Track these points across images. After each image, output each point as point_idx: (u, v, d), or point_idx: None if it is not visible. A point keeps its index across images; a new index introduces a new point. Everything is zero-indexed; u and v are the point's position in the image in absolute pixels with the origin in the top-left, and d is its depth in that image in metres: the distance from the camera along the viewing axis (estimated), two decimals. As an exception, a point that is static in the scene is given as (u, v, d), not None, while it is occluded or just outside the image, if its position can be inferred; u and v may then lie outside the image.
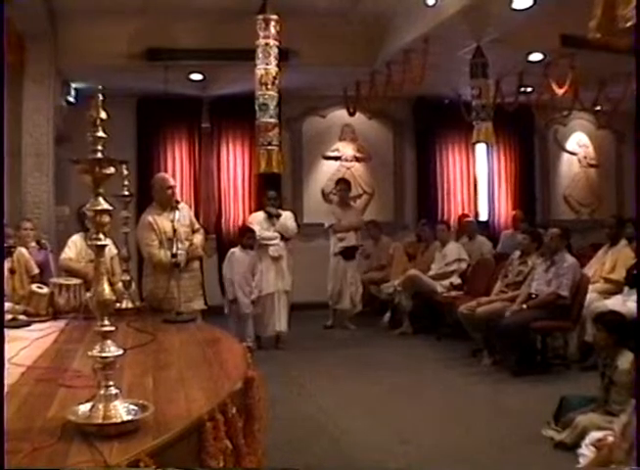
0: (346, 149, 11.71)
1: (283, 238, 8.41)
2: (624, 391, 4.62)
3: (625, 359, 4.78)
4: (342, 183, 9.95)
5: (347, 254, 9.37)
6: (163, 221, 5.70)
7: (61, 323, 4.70)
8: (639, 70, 3.98)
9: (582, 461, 4.27)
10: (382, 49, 8.95)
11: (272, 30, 6.99)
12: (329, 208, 10.12)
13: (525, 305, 6.88)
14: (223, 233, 10.92)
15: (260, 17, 6.98)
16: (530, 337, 6.91)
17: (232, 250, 8.29)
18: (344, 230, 9.39)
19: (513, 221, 11.29)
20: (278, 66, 7.10)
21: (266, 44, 7.00)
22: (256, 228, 8.27)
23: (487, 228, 11.75)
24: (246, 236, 8.18)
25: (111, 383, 2.36)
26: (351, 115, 10.97)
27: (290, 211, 8.92)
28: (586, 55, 7.82)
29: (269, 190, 8.87)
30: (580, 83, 8.77)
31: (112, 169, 2.40)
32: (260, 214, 8.55)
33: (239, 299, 8.03)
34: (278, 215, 8.45)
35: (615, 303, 6.80)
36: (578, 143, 12.95)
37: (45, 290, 5.13)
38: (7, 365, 3.15)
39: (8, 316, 4.51)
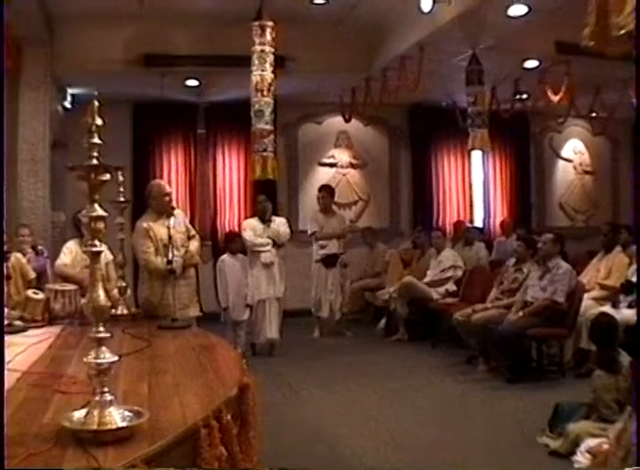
0: (342, 155, 11.73)
1: (275, 244, 8.30)
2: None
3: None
4: (325, 190, 9.64)
5: (328, 261, 9.21)
6: (159, 228, 5.63)
7: (56, 329, 4.68)
8: (639, 78, 3.99)
9: (577, 468, 4.28)
10: (377, 56, 8.98)
11: (268, 37, 7.02)
12: (312, 214, 9.80)
13: (521, 313, 6.88)
14: (219, 239, 10.84)
15: (256, 23, 7.01)
16: (526, 344, 6.91)
17: (221, 257, 8.25)
18: (327, 238, 9.23)
19: (502, 228, 11.35)
20: (274, 72, 7.13)
21: (262, 51, 7.03)
22: (250, 234, 8.18)
23: (482, 235, 11.76)
24: (233, 241, 8.14)
25: (106, 389, 2.35)
26: (347, 121, 10.98)
27: (284, 217, 8.90)
28: (581, 62, 7.83)
29: (259, 195, 8.82)
30: (576, 90, 8.78)
31: (107, 176, 2.40)
32: (254, 221, 8.45)
33: (234, 305, 7.98)
34: (270, 221, 8.36)
35: (610, 309, 6.81)
36: (574, 150, 13.00)
37: (41, 295, 5.12)
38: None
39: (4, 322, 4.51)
